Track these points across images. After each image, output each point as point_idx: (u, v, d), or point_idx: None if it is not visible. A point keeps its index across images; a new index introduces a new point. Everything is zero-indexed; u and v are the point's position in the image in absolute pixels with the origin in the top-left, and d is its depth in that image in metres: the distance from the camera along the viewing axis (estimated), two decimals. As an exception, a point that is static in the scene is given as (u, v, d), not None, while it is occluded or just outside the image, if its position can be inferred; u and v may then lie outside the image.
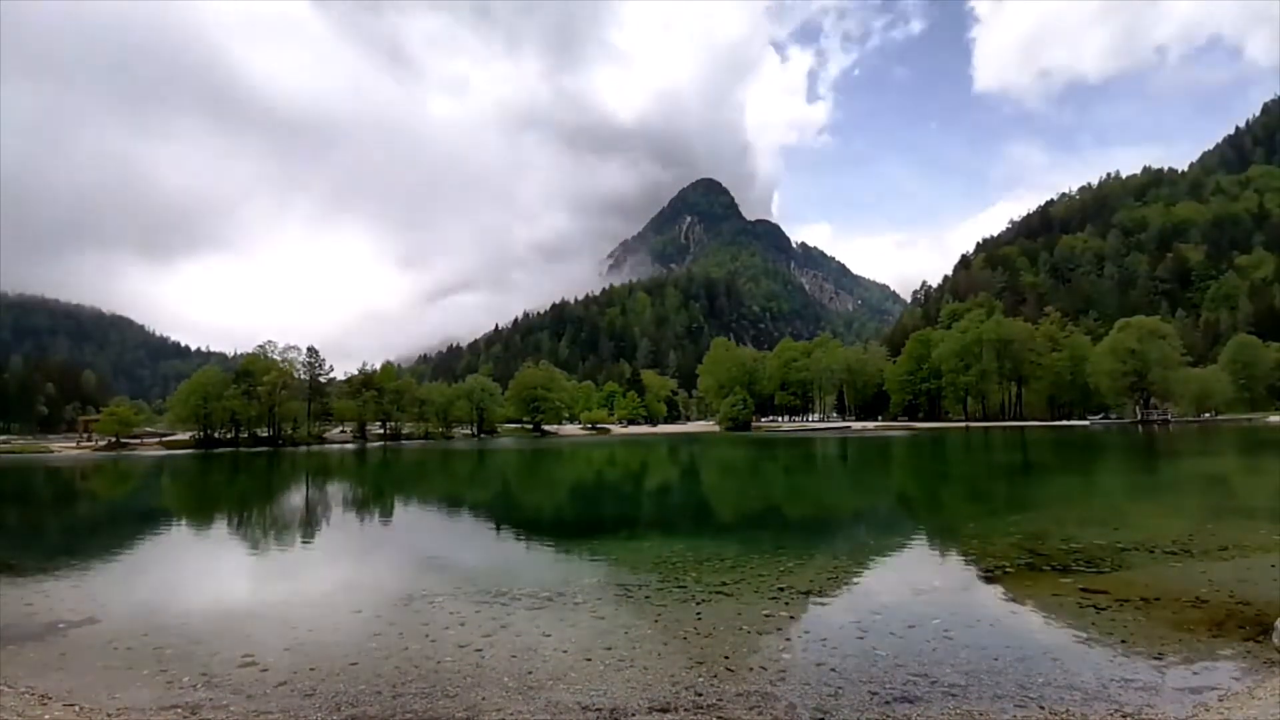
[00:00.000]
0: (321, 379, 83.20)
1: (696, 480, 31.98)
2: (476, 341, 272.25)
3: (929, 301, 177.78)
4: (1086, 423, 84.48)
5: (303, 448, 69.52)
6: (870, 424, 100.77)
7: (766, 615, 8.12)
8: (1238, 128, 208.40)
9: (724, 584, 9.70)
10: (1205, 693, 5.49)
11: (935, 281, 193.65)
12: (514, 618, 8.20)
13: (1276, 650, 6.25)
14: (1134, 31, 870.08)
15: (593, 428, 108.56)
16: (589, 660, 6.64)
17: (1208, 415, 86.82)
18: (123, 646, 7.52)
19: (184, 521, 21.54)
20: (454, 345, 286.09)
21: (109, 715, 5.53)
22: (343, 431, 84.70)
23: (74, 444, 73.06)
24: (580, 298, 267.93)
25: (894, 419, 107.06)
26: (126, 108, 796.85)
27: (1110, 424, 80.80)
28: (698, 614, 8.22)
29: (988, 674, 6.06)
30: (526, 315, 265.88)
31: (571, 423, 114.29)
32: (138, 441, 73.27)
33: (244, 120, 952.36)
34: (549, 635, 7.47)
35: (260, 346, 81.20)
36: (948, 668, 6.24)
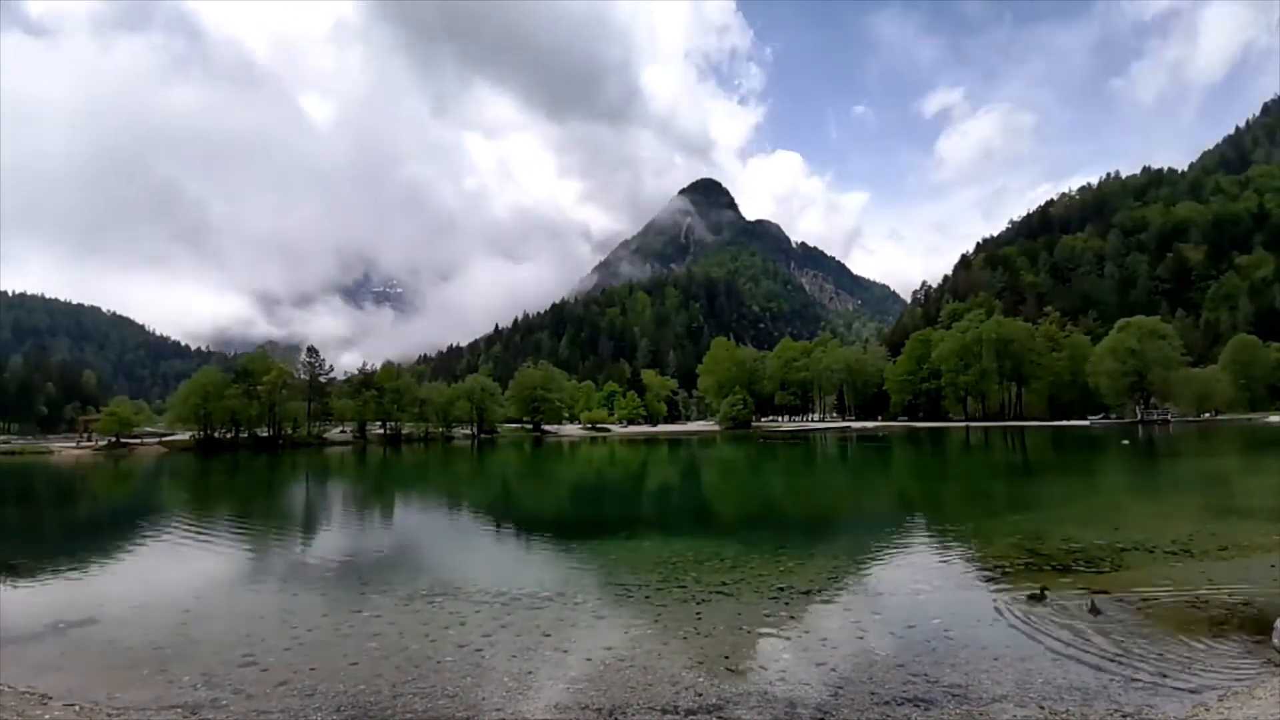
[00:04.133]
0: (321, 379, 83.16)
1: (696, 480, 31.97)
2: (476, 341, 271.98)
3: (929, 301, 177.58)
4: (1086, 423, 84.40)
5: (303, 448, 69.51)
6: (870, 423, 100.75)
7: (766, 615, 8.12)
8: (1238, 128, 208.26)
9: (724, 584, 9.70)
10: (1205, 693, 5.49)
11: (935, 281, 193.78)
12: (514, 618, 8.20)
13: (1276, 650, 6.25)
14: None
15: (593, 428, 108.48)
16: (589, 660, 6.64)
17: (1208, 415, 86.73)
18: (123, 646, 7.52)
19: (184, 522, 21.53)
20: (454, 345, 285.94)
21: (109, 715, 5.54)
22: (343, 431, 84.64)
23: (74, 444, 73.03)
24: (580, 297, 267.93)
25: (894, 419, 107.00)
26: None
27: (1110, 424, 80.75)
28: (698, 614, 8.22)
29: (988, 674, 6.06)
30: (526, 315, 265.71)
31: (571, 423, 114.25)
32: (138, 441, 73.24)
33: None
34: (549, 635, 7.48)
35: (260, 347, 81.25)
36: (948, 668, 6.24)
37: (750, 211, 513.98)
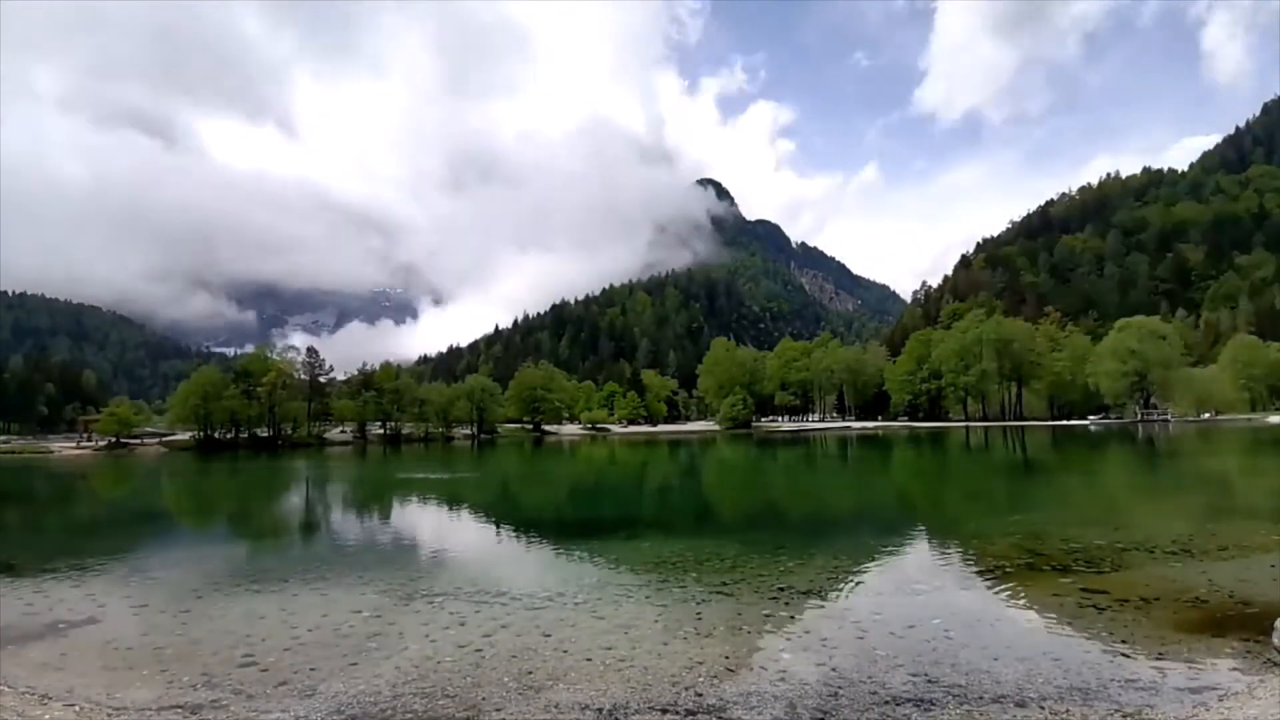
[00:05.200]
0: (321, 379, 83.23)
1: (696, 480, 31.97)
2: (476, 342, 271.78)
3: (929, 301, 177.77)
4: (1086, 423, 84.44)
5: (302, 448, 69.52)
6: (870, 424, 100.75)
7: (766, 615, 8.12)
8: (1238, 128, 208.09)
9: (724, 584, 9.70)
10: (1205, 693, 5.49)
11: (936, 281, 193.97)
12: (514, 618, 8.20)
13: (1276, 650, 6.25)
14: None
15: (593, 428, 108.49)
16: (589, 660, 6.64)
17: (1208, 415, 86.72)
18: (123, 646, 7.52)
19: (184, 522, 21.55)
20: (454, 345, 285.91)
21: (109, 715, 5.53)
22: (343, 432, 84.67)
23: (74, 444, 73.02)
24: (580, 298, 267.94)
25: (894, 419, 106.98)
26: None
27: (1110, 424, 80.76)
28: (698, 614, 8.22)
29: (988, 674, 6.05)
30: (526, 315, 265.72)
31: (572, 423, 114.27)
32: (138, 442, 73.24)
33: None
34: (549, 635, 7.47)
35: (259, 346, 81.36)
36: (948, 668, 6.23)
37: (752, 211, 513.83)
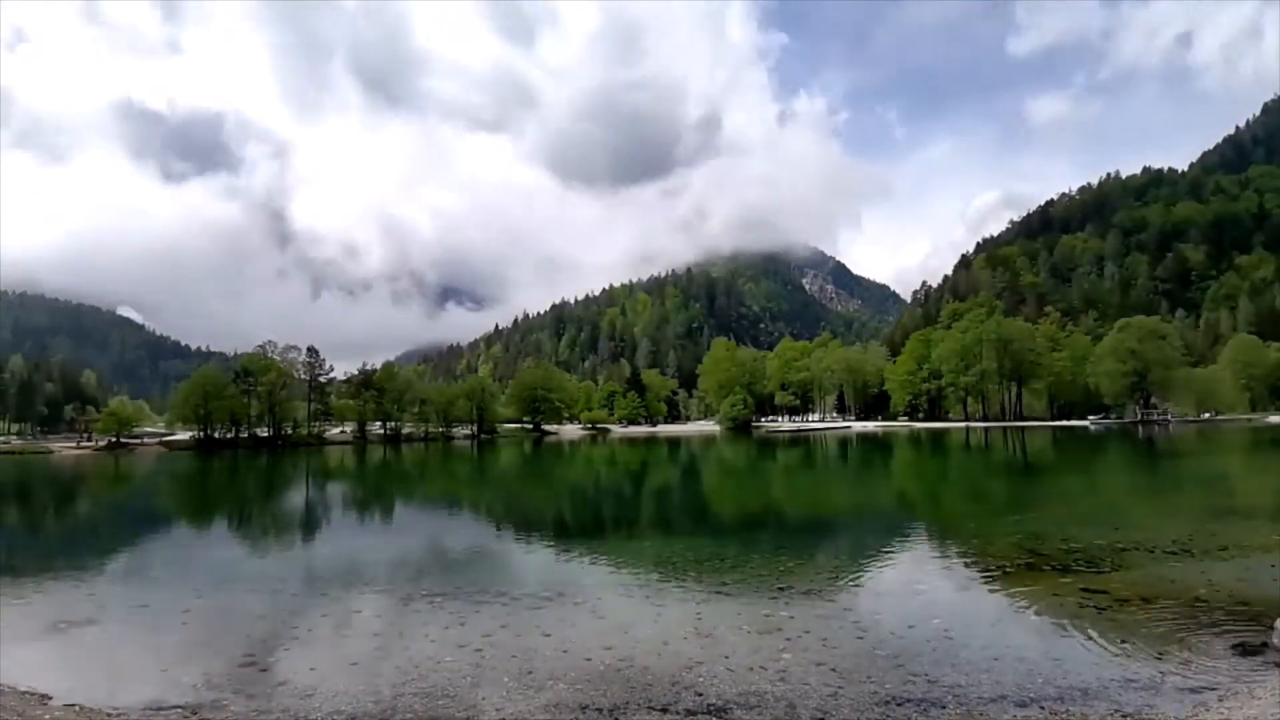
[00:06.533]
0: (321, 379, 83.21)
1: (696, 480, 31.98)
2: (476, 341, 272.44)
3: (929, 301, 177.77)
4: (1086, 423, 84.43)
5: (302, 447, 69.53)
6: (871, 424, 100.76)
7: (766, 615, 8.12)
8: (1238, 127, 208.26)
9: (724, 584, 9.70)
10: (1205, 693, 5.48)
11: (935, 281, 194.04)
12: (514, 618, 8.20)
13: (1277, 650, 6.25)
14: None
15: (593, 428, 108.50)
16: (589, 660, 6.64)
17: (1208, 415, 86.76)
18: (123, 646, 7.53)
19: (183, 522, 21.56)
20: (454, 345, 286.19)
21: (109, 715, 5.54)
22: (343, 431, 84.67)
23: (74, 444, 73.05)
24: (580, 298, 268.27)
25: (894, 419, 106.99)
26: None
27: (1110, 424, 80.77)
28: (698, 614, 8.22)
29: (988, 674, 6.05)
30: (526, 315, 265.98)
31: (572, 423, 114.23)
32: (138, 441, 73.31)
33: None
34: (549, 635, 7.47)
35: (260, 346, 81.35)
36: (948, 668, 6.23)
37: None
